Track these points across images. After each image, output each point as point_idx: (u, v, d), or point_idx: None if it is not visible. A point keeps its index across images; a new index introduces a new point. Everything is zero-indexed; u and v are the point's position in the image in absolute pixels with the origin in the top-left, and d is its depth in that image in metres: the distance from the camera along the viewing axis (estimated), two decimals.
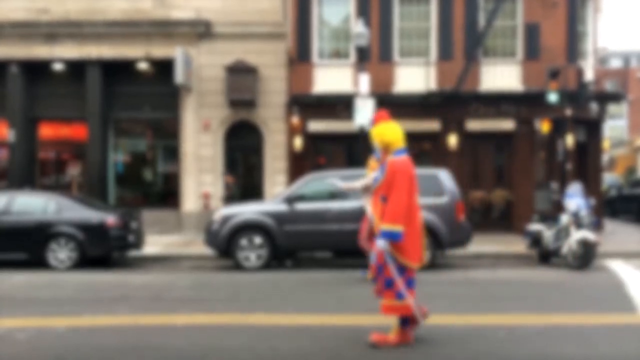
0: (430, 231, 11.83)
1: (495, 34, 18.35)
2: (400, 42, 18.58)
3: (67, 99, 19.05)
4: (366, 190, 9.86)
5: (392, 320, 5.94)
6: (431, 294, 9.03)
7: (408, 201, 5.65)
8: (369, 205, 9.92)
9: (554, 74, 16.52)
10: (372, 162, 10.16)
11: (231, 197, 16.63)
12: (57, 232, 12.32)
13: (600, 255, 12.23)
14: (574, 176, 17.64)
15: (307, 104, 18.31)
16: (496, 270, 11.80)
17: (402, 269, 5.71)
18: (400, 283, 5.68)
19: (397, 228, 5.54)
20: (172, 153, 19.35)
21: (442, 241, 11.89)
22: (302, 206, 12.09)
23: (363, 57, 15.55)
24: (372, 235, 9.90)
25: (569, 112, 17.60)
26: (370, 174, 9.95)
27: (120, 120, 19.50)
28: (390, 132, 5.90)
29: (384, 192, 5.73)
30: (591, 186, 18.31)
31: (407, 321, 5.84)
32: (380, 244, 5.62)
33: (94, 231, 12.39)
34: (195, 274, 11.74)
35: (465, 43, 18.21)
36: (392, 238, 5.56)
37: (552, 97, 16.49)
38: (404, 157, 5.86)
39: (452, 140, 18.22)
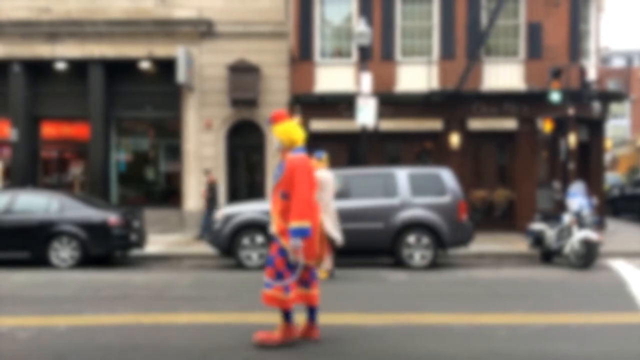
0: (433, 230, 11.84)
1: (497, 33, 18.33)
2: (402, 41, 18.57)
3: (69, 98, 19.08)
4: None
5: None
6: (433, 293, 9.03)
7: (309, 197, 5.68)
8: (330, 205, 10.22)
9: (557, 73, 16.49)
10: (314, 162, 10.33)
11: (213, 199, 16.41)
12: (60, 231, 12.33)
13: (602, 254, 12.22)
14: (576, 175, 17.61)
15: (309, 103, 18.30)
16: (498, 269, 11.78)
17: (293, 265, 5.71)
18: (289, 278, 5.69)
19: (306, 224, 5.57)
20: (174, 152, 19.36)
21: (444, 240, 11.87)
22: None
23: (365, 56, 15.53)
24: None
25: (571, 111, 17.57)
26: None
27: (122, 120, 19.52)
28: (295, 131, 5.95)
29: (284, 188, 5.75)
30: (593, 185, 18.28)
31: (290, 316, 5.83)
32: (294, 242, 5.56)
33: (96, 230, 12.40)
34: (197, 272, 11.74)
35: (467, 42, 18.19)
36: (303, 234, 5.56)
37: (555, 97, 16.46)
38: (302, 155, 5.91)
39: (454, 139, 18.20)
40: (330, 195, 10.19)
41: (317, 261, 5.90)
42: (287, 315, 5.82)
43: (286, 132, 5.93)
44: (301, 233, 5.56)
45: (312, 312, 6.02)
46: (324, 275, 10.30)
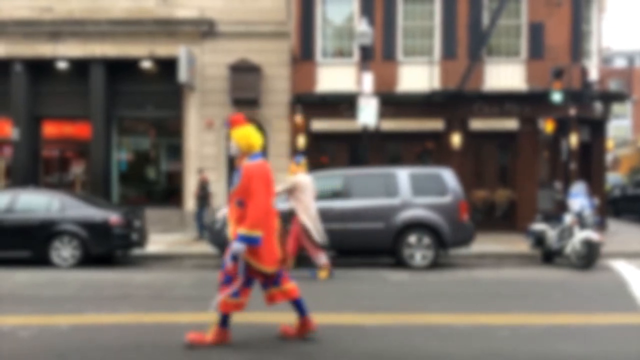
0: (434, 230, 11.84)
1: (499, 33, 18.31)
2: (404, 41, 18.56)
3: (70, 97, 19.09)
4: (289, 193, 10.38)
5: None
6: (434, 293, 9.03)
7: (266, 205, 5.65)
8: (310, 208, 10.33)
9: (558, 74, 16.48)
10: (293, 166, 10.63)
11: (204, 198, 16.47)
12: (61, 231, 12.34)
13: (603, 255, 12.20)
14: (578, 176, 17.59)
15: (310, 103, 18.30)
16: (499, 269, 11.78)
17: (247, 271, 5.71)
18: (239, 282, 5.69)
19: (256, 233, 5.56)
20: (176, 151, 19.37)
21: (445, 240, 11.87)
22: None
23: (366, 56, 15.53)
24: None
25: (573, 111, 17.56)
26: (291, 177, 10.37)
27: (123, 119, 19.53)
28: (254, 136, 5.91)
29: (240, 196, 5.72)
30: (595, 186, 18.26)
31: (227, 321, 5.83)
32: (237, 247, 5.56)
33: (97, 229, 12.41)
34: (198, 272, 11.74)
35: (469, 42, 18.18)
36: (251, 243, 5.57)
37: (556, 97, 16.45)
38: (260, 161, 5.87)
39: (456, 139, 18.19)
40: (311, 198, 10.42)
41: (280, 266, 5.87)
42: (224, 320, 5.79)
43: (245, 137, 5.87)
44: (249, 241, 5.55)
45: (299, 305, 5.99)
46: (325, 275, 10.33)
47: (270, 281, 5.92)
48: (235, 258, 5.66)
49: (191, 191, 18.56)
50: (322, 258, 10.43)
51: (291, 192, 10.40)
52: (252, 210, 5.59)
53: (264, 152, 18.74)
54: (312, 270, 10.66)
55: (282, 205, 12.06)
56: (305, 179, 10.43)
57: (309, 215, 10.38)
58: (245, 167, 5.78)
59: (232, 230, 5.76)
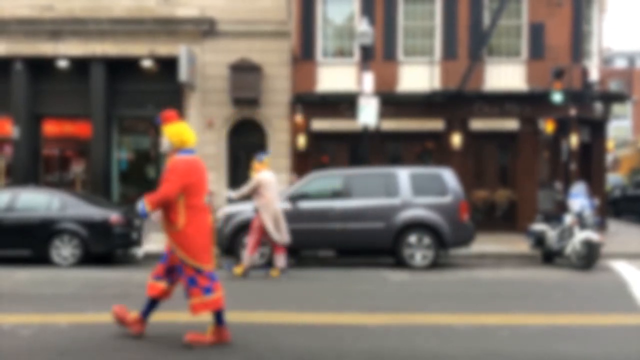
0: (434, 230, 11.84)
1: (499, 34, 18.31)
2: (404, 41, 18.56)
3: (71, 96, 19.08)
4: (255, 193, 10.44)
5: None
6: (434, 293, 9.03)
7: (173, 197, 5.67)
8: (273, 205, 10.35)
9: (559, 74, 16.48)
10: (256, 164, 10.71)
11: None
12: (61, 229, 12.33)
13: (603, 255, 12.20)
14: (578, 176, 17.60)
15: (310, 103, 18.30)
16: (499, 270, 11.78)
17: (199, 269, 5.74)
18: (203, 279, 5.71)
19: (148, 209, 5.70)
20: None
21: (446, 240, 11.87)
22: (305, 205, 12.08)
23: (367, 56, 15.52)
24: (260, 235, 10.47)
25: (573, 112, 17.56)
26: (255, 175, 10.43)
27: (124, 118, 19.53)
28: (187, 132, 5.95)
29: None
30: (595, 186, 18.26)
31: (222, 319, 5.84)
32: (141, 207, 5.75)
33: (97, 228, 12.40)
34: None
35: (469, 42, 18.18)
36: (140, 212, 5.74)
37: (557, 97, 16.45)
38: (190, 157, 5.89)
39: (456, 139, 18.19)
40: (274, 196, 10.47)
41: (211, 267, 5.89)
42: (219, 317, 5.82)
43: (178, 133, 5.89)
44: (141, 210, 5.71)
45: (150, 305, 6.02)
46: (240, 271, 10.39)
47: (171, 278, 5.93)
48: (185, 263, 5.72)
49: None
50: (281, 259, 10.54)
51: (255, 190, 10.46)
52: (160, 192, 5.67)
53: (265, 151, 18.77)
54: (228, 264, 10.87)
55: (281, 205, 12.13)
56: (268, 177, 10.53)
57: (270, 212, 10.42)
58: (172, 160, 5.84)
59: (162, 225, 5.83)
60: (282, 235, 10.60)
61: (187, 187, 5.72)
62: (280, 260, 10.57)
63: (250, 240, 10.59)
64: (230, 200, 11.10)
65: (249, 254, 10.48)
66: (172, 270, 5.93)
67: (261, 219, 10.47)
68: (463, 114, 18.24)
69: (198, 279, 5.71)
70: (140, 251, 13.11)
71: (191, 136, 5.97)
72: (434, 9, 18.49)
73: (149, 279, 6.05)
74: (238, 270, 10.43)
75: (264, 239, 10.75)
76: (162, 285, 5.94)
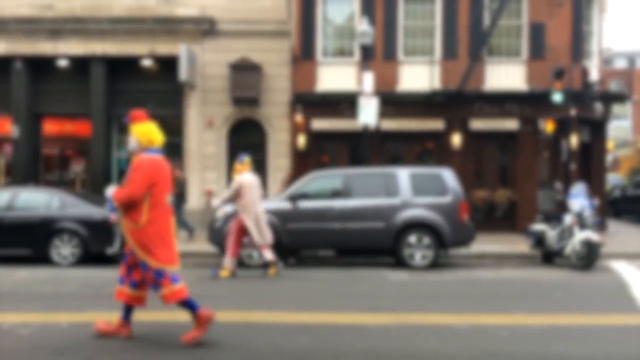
0: (434, 230, 11.84)
1: (500, 33, 18.31)
2: (404, 40, 18.56)
3: (71, 95, 19.08)
4: (237, 195, 10.38)
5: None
6: (434, 293, 9.03)
7: (139, 197, 5.69)
8: (254, 207, 10.33)
9: (559, 74, 16.48)
10: (237, 165, 10.69)
11: (181, 195, 16.58)
12: (61, 228, 12.33)
13: (603, 255, 12.20)
14: (578, 176, 17.61)
15: (310, 102, 18.30)
16: (499, 270, 11.78)
17: (161, 270, 5.76)
18: (166, 272, 5.74)
19: (116, 204, 5.76)
20: (176, 150, 19.34)
21: (446, 240, 11.86)
22: (305, 204, 12.08)
23: (367, 56, 15.51)
24: (240, 235, 10.44)
25: (573, 112, 17.56)
26: (236, 177, 10.40)
27: (124, 117, 19.48)
28: (155, 132, 5.98)
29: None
30: (595, 186, 18.27)
31: (193, 305, 5.81)
32: (109, 191, 5.82)
33: (97, 228, 12.40)
34: (197, 270, 11.72)
35: (470, 42, 18.18)
36: (109, 200, 5.81)
37: (557, 97, 16.45)
38: (156, 157, 5.91)
39: (456, 139, 18.19)
40: (255, 198, 10.43)
41: (174, 266, 5.90)
42: (191, 305, 5.80)
43: (146, 132, 5.92)
44: (110, 201, 5.77)
45: (129, 311, 6.02)
46: (227, 274, 10.33)
47: (139, 281, 5.91)
48: (143, 265, 5.74)
49: (192, 190, 18.56)
50: (269, 254, 10.52)
51: (237, 192, 10.41)
52: (126, 192, 5.68)
53: (265, 150, 18.80)
54: (213, 269, 10.75)
55: (281, 204, 12.13)
56: (249, 178, 10.48)
57: (251, 214, 10.38)
58: (137, 159, 5.85)
59: (123, 225, 5.82)
60: (264, 236, 10.53)
61: (151, 187, 5.74)
62: (268, 254, 10.53)
63: (229, 242, 10.54)
64: (217, 207, 11.02)
65: (230, 256, 10.39)
66: (132, 269, 5.92)
67: (242, 221, 10.43)
68: (463, 114, 18.24)
69: (163, 271, 5.73)
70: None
71: (159, 136, 6.00)
72: (434, 8, 18.49)
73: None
74: (224, 273, 10.39)
75: (247, 239, 10.72)
76: (126, 290, 5.93)
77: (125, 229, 5.82)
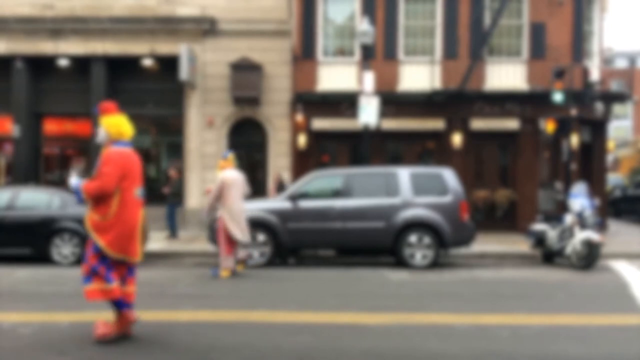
0: (434, 230, 11.84)
1: (500, 33, 18.31)
2: (405, 40, 18.55)
3: (71, 94, 19.09)
4: (221, 192, 10.35)
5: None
6: (434, 292, 9.03)
7: (111, 190, 5.67)
8: (235, 204, 10.30)
9: (560, 74, 16.47)
10: (221, 161, 10.73)
11: (176, 194, 16.62)
12: (61, 228, 12.34)
13: (604, 255, 12.21)
14: (578, 176, 17.60)
15: (311, 102, 18.30)
16: (500, 269, 11.77)
17: (105, 259, 5.74)
18: (103, 270, 5.72)
19: (84, 196, 5.70)
20: (176, 150, 19.37)
21: (446, 240, 11.86)
22: (305, 204, 12.08)
23: (367, 55, 15.51)
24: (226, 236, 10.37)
25: (574, 112, 17.55)
26: (219, 175, 10.40)
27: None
28: (125, 125, 5.99)
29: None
30: (595, 186, 18.27)
31: (122, 304, 5.83)
32: (73, 182, 5.79)
33: None
34: (198, 270, 11.74)
35: (470, 42, 18.17)
36: (78, 194, 5.74)
37: (557, 97, 16.44)
38: (126, 149, 5.91)
39: (457, 139, 18.19)
40: (237, 194, 10.39)
41: (135, 258, 5.90)
42: (118, 305, 5.81)
43: (116, 125, 5.92)
44: (78, 194, 5.72)
45: (119, 306, 5.95)
46: (227, 274, 10.33)
47: (119, 277, 5.90)
48: (97, 249, 5.70)
49: (192, 189, 18.57)
50: (242, 252, 10.55)
51: (221, 190, 10.38)
52: (94, 186, 5.65)
53: (265, 149, 18.80)
54: (214, 269, 10.73)
55: (281, 204, 12.13)
56: (231, 175, 10.46)
57: (230, 211, 10.36)
58: (106, 152, 5.83)
59: (89, 218, 5.79)
60: (243, 233, 10.51)
61: (121, 180, 5.73)
62: (242, 253, 10.58)
63: (219, 241, 10.54)
64: (207, 212, 10.97)
65: (224, 254, 10.37)
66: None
67: (222, 218, 10.42)
68: (464, 114, 18.24)
69: (99, 269, 5.71)
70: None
71: (129, 129, 6.00)
72: (434, 8, 18.48)
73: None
74: (224, 273, 10.37)
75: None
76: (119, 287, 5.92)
77: (88, 220, 5.77)
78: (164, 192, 16.87)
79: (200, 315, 7.14)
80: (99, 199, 5.71)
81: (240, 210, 10.49)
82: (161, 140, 19.84)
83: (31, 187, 14.25)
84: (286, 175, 18.21)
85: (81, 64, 18.77)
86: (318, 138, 18.58)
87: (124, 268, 5.90)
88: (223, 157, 10.77)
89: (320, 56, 18.56)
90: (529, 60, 18.27)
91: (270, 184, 17.37)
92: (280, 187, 15.99)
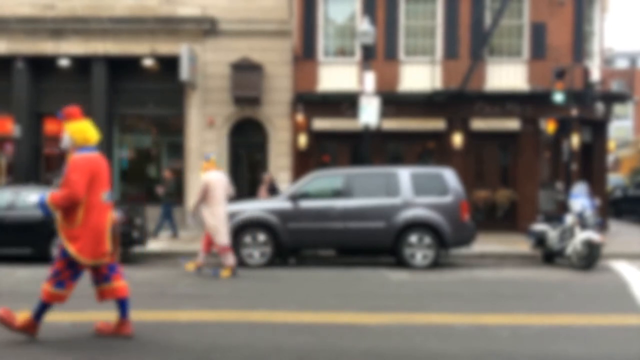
0: (435, 230, 11.84)
1: (501, 33, 18.30)
2: (405, 40, 18.55)
3: (72, 94, 19.05)
4: (205, 194, 10.39)
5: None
6: (435, 292, 9.03)
7: (81, 197, 5.68)
8: (217, 206, 10.32)
9: (560, 74, 16.46)
10: (204, 163, 10.75)
11: (170, 195, 16.64)
12: None
13: (604, 255, 12.21)
14: (579, 176, 17.59)
15: (311, 102, 18.30)
16: (500, 270, 11.78)
17: (73, 263, 5.77)
18: (67, 275, 5.77)
19: (52, 209, 5.73)
20: (177, 150, 19.37)
21: (446, 240, 11.86)
22: (306, 204, 12.08)
23: (368, 56, 15.50)
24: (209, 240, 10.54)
25: (574, 112, 17.54)
26: (203, 177, 10.42)
27: (125, 117, 19.54)
28: (91, 130, 5.98)
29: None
30: (596, 187, 18.26)
31: (44, 311, 5.90)
32: (37, 197, 5.86)
33: None
34: (198, 270, 11.74)
35: (471, 42, 18.17)
36: (44, 209, 5.77)
37: (558, 97, 16.43)
38: (91, 155, 5.90)
39: (457, 139, 18.19)
40: (220, 195, 10.40)
41: (106, 259, 5.91)
42: (42, 308, 5.85)
43: (81, 130, 5.91)
44: (44, 208, 5.74)
45: (123, 306, 6.02)
46: (227, 274, 10.34)
47: (101, 277, 5.94)
48: (65, 254, 5.73)
49: (193, 189, 18.56)
50: (231, 257, 10.49)
51: (206, 191, 10.38)
52: (63, 195, 5.65)
53: (266, 150, 18.80)
54: (214, 269, 10.81)
55: (282, 204, 12.13)
56: (214, 177, 10.48)
57: (213, 212, 10.37)
58: (72, 158, 5.82)
59: (59, 224, 5.81)
60: (225, 236, 10.53)
61: (88, 185, 5.73)
62: (230, 258, 10.50)
63: (204, 240, 10.74)
64: (193, 215, 10.94)
65: (203, 252, 10.59)
66: (96, 270, 5.95)
67: (204, 219, 10.46)
68: (464, 114, 18.24)
69: (62, 273, 5.75)
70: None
71: (94, 134, 5.98)
72: (435, 8, 18.48)
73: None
74: (225, 273, 10.38)
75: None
76: (105, 286, 5.97)
77: (59, 227, 5.80)
78: (157, 193, 16.90)
79: (200, 315, 7.14)
80: (69, 207, 5.70)
81: (223, 212, 10.55)
82: (161, 140, 19.85)
83: (32, 187, 14.23)
84: (285, 176, 18.20)
85: (82, 64, 18.77)
86: (318, 138, 18.58)
87: (103, 268, 5.92)
88: (205, 158, 10.78)
89: (320, 56, 18.56)
90: (530, 60, 18.26)
91: (263, 185, 17.25)
92: (272, 188, 15.91)
